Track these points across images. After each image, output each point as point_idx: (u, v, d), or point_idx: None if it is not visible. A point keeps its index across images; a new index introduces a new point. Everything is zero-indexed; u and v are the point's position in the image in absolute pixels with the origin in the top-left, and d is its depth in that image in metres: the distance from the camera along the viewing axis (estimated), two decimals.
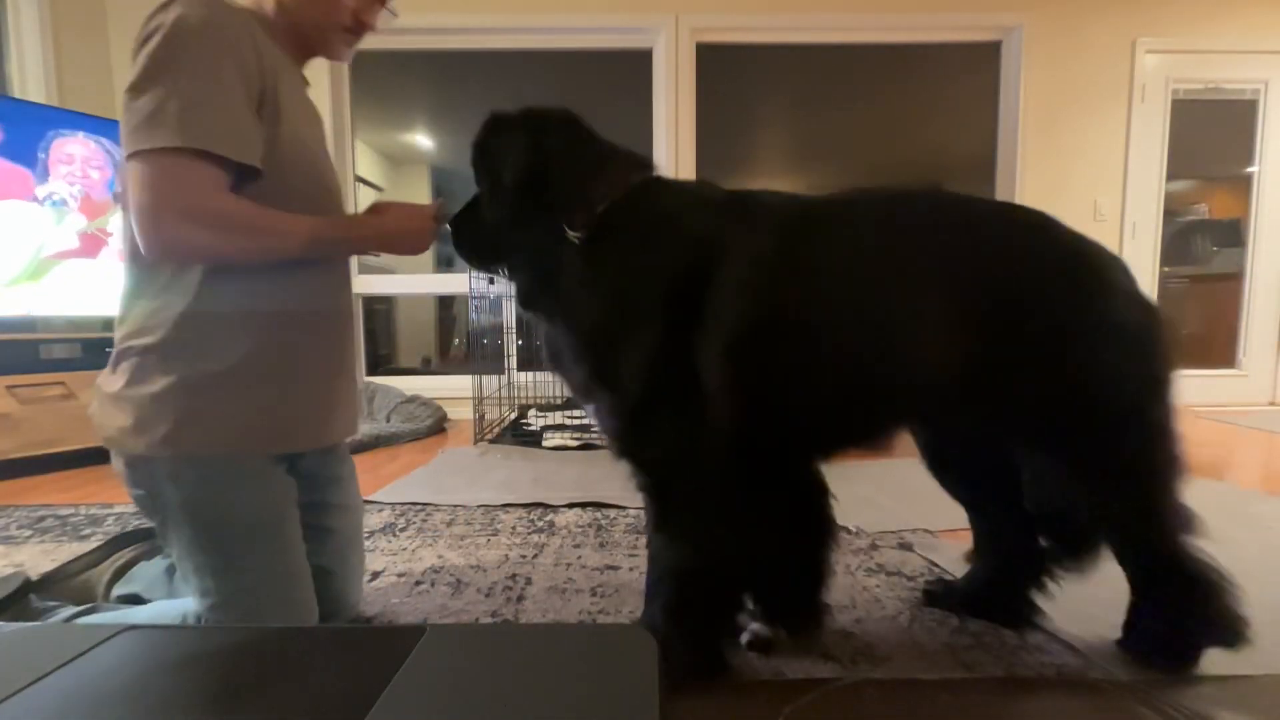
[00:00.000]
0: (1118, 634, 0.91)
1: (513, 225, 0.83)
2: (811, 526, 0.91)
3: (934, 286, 0.76)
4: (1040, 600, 0.95)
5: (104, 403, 0.82)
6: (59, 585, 1.01)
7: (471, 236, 0.91)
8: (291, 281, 0.85)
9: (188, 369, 0.78)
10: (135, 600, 0.99)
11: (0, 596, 0.92)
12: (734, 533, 0.77)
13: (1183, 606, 0.80)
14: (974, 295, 0.76)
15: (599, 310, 0.77)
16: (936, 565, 1.19)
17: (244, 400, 0.81)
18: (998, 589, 0.97)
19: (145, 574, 1.03)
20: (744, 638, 0.88)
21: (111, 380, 0.81)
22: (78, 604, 0.95)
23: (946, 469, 0.99)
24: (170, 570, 0.99)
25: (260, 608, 0.82)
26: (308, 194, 0.87)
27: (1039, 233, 0.82)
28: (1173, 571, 0.80)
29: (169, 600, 0.93)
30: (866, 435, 0.85)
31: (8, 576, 0.98)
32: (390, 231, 0.90)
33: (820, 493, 0.91)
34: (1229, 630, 0.78)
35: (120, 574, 1.05)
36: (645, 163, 0.87)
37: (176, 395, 0.78)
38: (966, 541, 1.36)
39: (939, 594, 1.05)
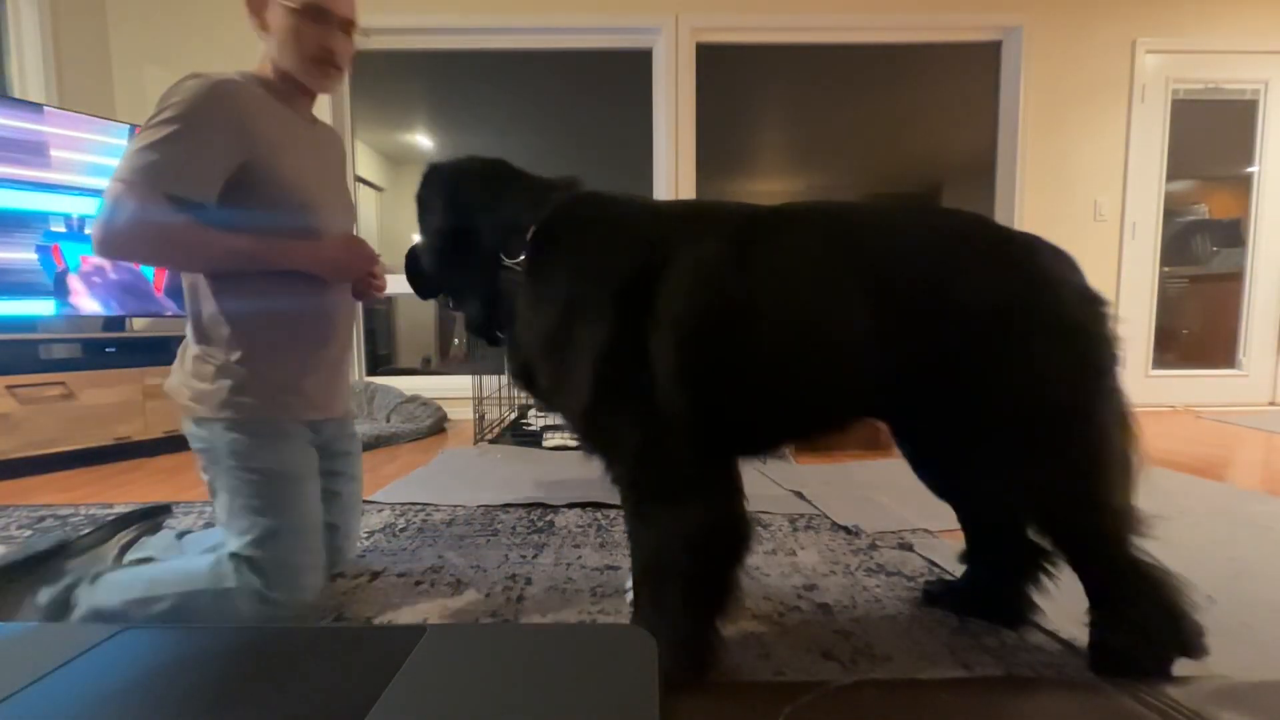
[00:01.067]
0: None
1: (449, 265, 0.94)
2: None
3: (868, 289, 0.77)
4: (1037, 597, 0.94)
5: (179, 377, 1.04)
6: (71, 559, 1.07)
7: (417, 275, 1.03)
8: (309, 287, 1.05)
9: (235, 354, 1.00)
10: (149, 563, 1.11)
11: (41, 550, 1.04)
12: (703, 515, 0.79)
13: (1146, 619, 0.78)
14: (907, 296, 0.77)
15: (546, 322, 0.82)
16: (936, 565, 1.19)
17: (278, 377, 1.03)
18: (993, 588, 0.98)
19: (156, 543, 1.16)
20: (629, 598, 0.93)
21: (183, 361, 1.05)
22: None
23: (930, 469, 1.00)
24: (180, 536, 1.19)
25: (283, 549, 0.97)
26: (298, 224, 1.03)
27: (974, 235, 0.81)
28: (1130, 579, 0.79)
29: (186, 557, 1.05)
30: (810, 430, 0.89)
31: (49, 534, 1.12)
32: (325, 259, 1.05)
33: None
34: (1193, 640, 0.77)
35: (125, 550, 1.13)
36: (569, 182, 0.92)
37: (229, 373, 1.00)
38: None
39: (939, 594, 1.05)
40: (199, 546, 1.10)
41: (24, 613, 0.97)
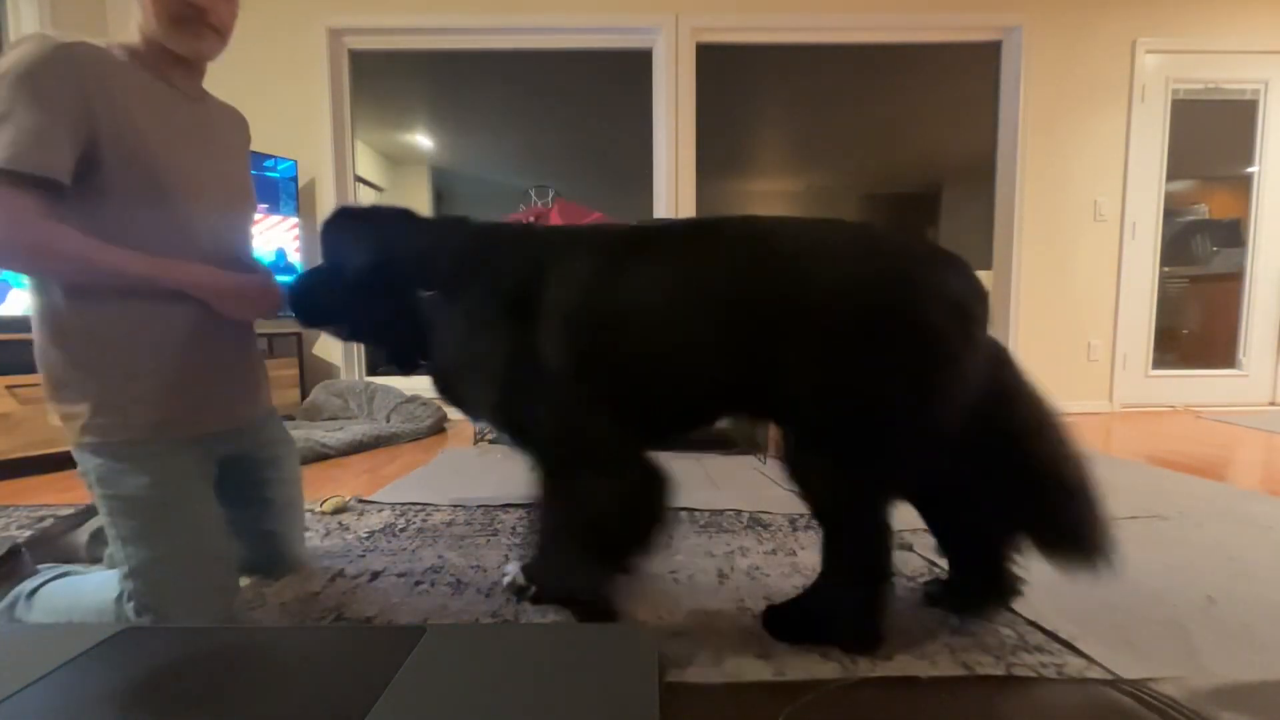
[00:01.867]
0: (1118, 634, 0.92)
1: (362, 300, 0.99)
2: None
3: (719, 296, 0.84)
4: (1017, 581, 0.96)
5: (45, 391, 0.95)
6: (44, 547, 1.12)
7: (311, 307, 1.06)
8: (169, 299, 0.94)
9: (82, 376, 0.91)
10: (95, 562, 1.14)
11: None
12: (606, 491, 0.89)
13: (840, 606, 0.88)
14: (759, 302, 0.83)
15: (458, 339, 0.94)
16: (936, 565, 1.19)
17: (140, 395, 0.93)
18: (973, 584, 1.00)
19: None
20: (504, 580, 1.07)
21: (44, 386, 0.95)
22: (63, 562, 1.08)
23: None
24: None
25: (167, 578, 0.91)
26: (161, 210, 0.93)
27: (838, 242, 0.85)
28: (846, 577, 0.88)
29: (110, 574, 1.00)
30: (681, 424, 0.97)
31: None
32: (222, 289, 0.96)
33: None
34: (856, 644, 0.87)
35: (97, 536, 1.15)
36: (461, 221, 1.03)
37: (77, 395, 0.91)
38: None
39: (938, 595, 1.06)
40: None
41: None
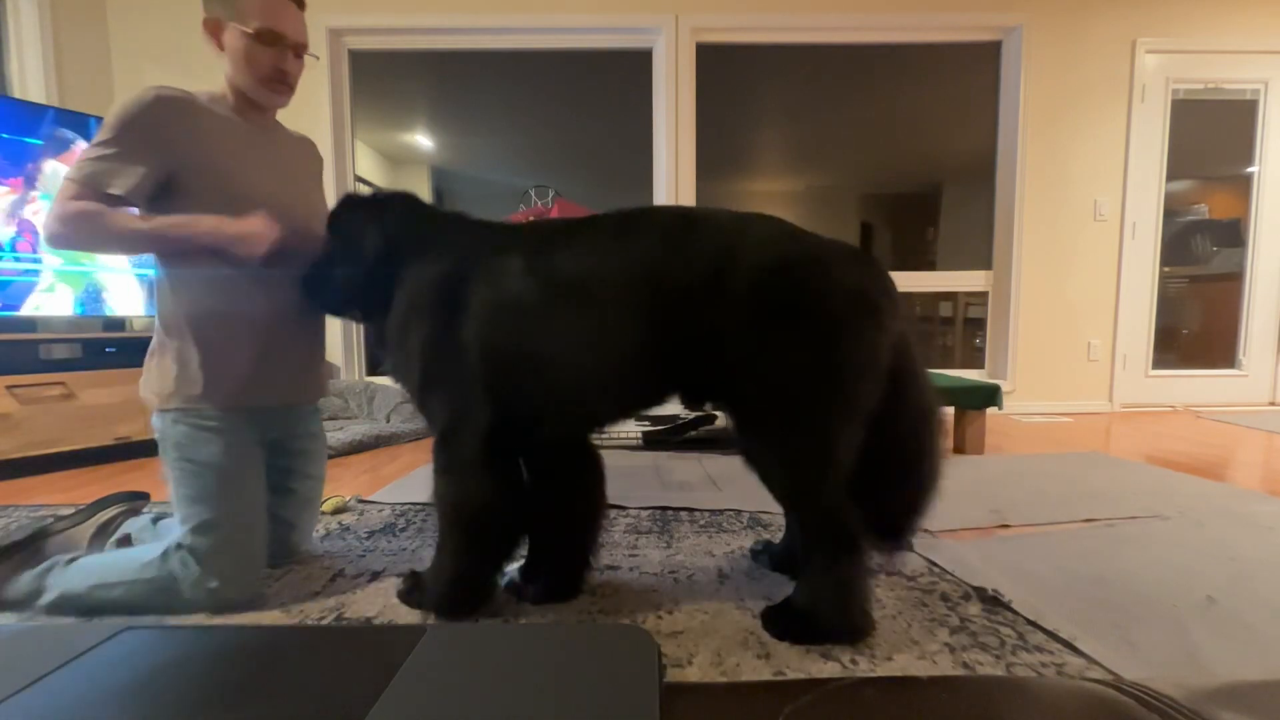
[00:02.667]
0: (1118, 634, 0.92)
1: (369, 282, 1.03)
2: (578, 505, 1.10)
3: (637, 286, 0.88)
4: None
5: (144, 373, 1.11)
6: (46, 541, 1.16)
7: (322, 290, 1.11)
8: (250, 286, 1.09)
9: (184, 343, 1.07)
10: (127, 543, 1.23)
11: (20, 539, 1.13)
12: (498, 483, 0.97)
13: (822, 599, 0.90)
14: (672, 291, 0.87)
15: (394, 320, 1.00)
16: (936, 565, 1.19)
17: (223, 364, 1.08)
18: (796, 551, 1.09)
19: (134, 524, 1.27)
20: (504, 580, 1.08)
21: (149, 357, 1.12)
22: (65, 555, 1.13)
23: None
24: (155, 519, 1.28)
25: (219, 540, 1.03)
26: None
27: (748, 235, 0.89)
28: (826, 566, 0.89)
29: (149, 544, 1.12)
30: (594, 421, 1.03)
31: (27, 524, 1.20)
32: (230, 233, 1.03)
33: (594, 477, 1.12)
34: (845, 632, 0.89)
35: (103, 531, 1.23)
36: (407, 202, 1.09)
37: (177, 364, 1.07)
38: (966, 541, 1.37)
39: (759, 552, 1.23)
40: (170, 531, 1.14)
41: (4, 594, 1.06)
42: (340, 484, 1.90)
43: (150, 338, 1.12)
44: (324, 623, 0.99)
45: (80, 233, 0.99)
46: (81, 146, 2.27)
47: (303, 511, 1.25)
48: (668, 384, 0.96)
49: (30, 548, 1.13)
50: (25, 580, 1.05)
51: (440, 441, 0.99)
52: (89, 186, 0.99)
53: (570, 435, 1.09)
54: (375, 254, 1.02)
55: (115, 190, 0.99)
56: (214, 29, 1.07)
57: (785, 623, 0.92)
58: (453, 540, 0.98)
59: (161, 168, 1.02)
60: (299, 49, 1.11)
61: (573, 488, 1.10)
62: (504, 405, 0.94)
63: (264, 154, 1.14)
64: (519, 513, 1.03)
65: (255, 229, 1.02)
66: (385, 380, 3.07)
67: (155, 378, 1.09)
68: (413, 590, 1.05)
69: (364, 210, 1.07)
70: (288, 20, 1.08)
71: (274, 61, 1.08)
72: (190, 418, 1.06)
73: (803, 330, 0.84)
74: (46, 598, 1.02)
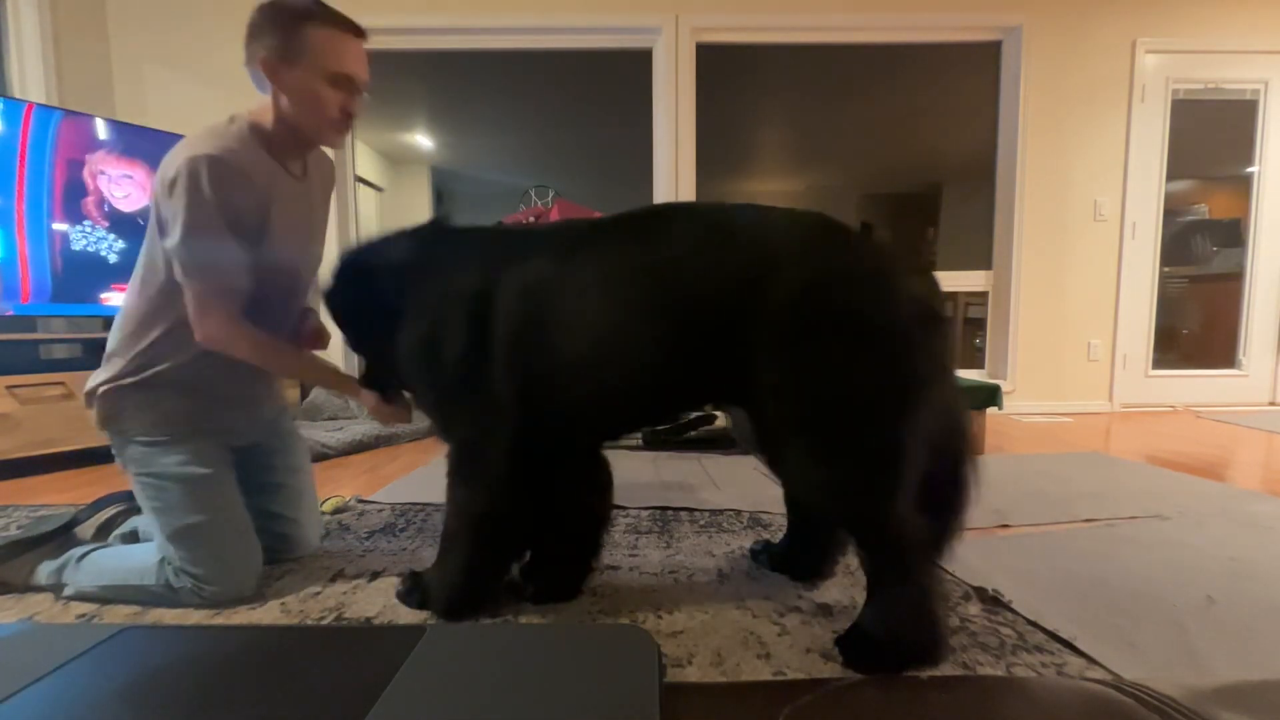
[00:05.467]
0: (1118, 634, 0.92)
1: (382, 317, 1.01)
2: (586, 508, 1.08)
3: (671, 289, 0.84)
4: (834, 565, 1.13)
5: (93, 383, 1.09)
6: (73, 532, 1.20)
7: (386, 384, 1.11)
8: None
9: (134, 386, 1.06)
10: (134, 538, 1.25)
11: (49, 530, 1.17)
12: (520, 496, 0.96)
13: (899, 621, 0.82)
14: (710, 294, 0.82)
15: (412, 334, 0.97)
16: (948, 572, 1.19)
17: (183, 398, 1.08)
18: (796, 553, 1.14)
19: (139, 520, 1.28)
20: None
21: (102, 367, 1.09)
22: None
23: (760, 451, 1.03)
24: None
25: (197, 545, 1.03)
26: (275, 278, 1.11)
27: (793, 232, 0.84)
28: (898, 583, 0.82)
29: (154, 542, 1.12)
30: (620, 428, 1.02)
31: (58, 514, 1.25)
32: (359, 400, 1.12)
33: (603, 480, 1.11)
34: (930, 652, 0.82)
35: (105, 527, 1.25)
36: (440, 221, 1.05)
37: (125, 400, 1.06)
38: (966, 541, 1.36)
39: (758, 551, 1.22)
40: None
41: (29, 583, 1.12)
42: (340, 484, 1.90)
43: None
44: (324, 623, 0.99)
45: (253, 358, 1.06)
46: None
47: (298, 504, 1.25)
48: (703, 393, 0.93)
49: (59, 538, 1.17)
50: (47, 571, 1.10)
51: (462, 452, 0.97)
52: (224, 294, 1.01)
53: (595, 442, 1.07)
54: (385, 295, 0.99)
55: (240, 283, 1.03)
56: (273, 69, 1.00)
57: (867, 652, 0.84)
58: (465, 547, 0.97)
59: (233, 226, 1.02)
60: (363, 87, 1.08)
61: (581, 490, 1.08)
62: (531, 414, 0.92)
63: (298, 200, 1.13)
64: (532, 520, 1.02)
65: (370, 405, 1.11)
66: None
67: (110, 405, 1.06)
68: (413, 591, 1.04)
69: (365, 263, 1.04)
70: (358, 61, 1.05)
71: (343, 104, 1.05)
72: (147, 435, 1.06)
73: (868, 344, 0.78)
74: (66, 592, 1.08)
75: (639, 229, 0.90)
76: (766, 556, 1.20)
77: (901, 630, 0.81)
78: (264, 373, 1.19)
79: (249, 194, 1.01)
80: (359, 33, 1.05)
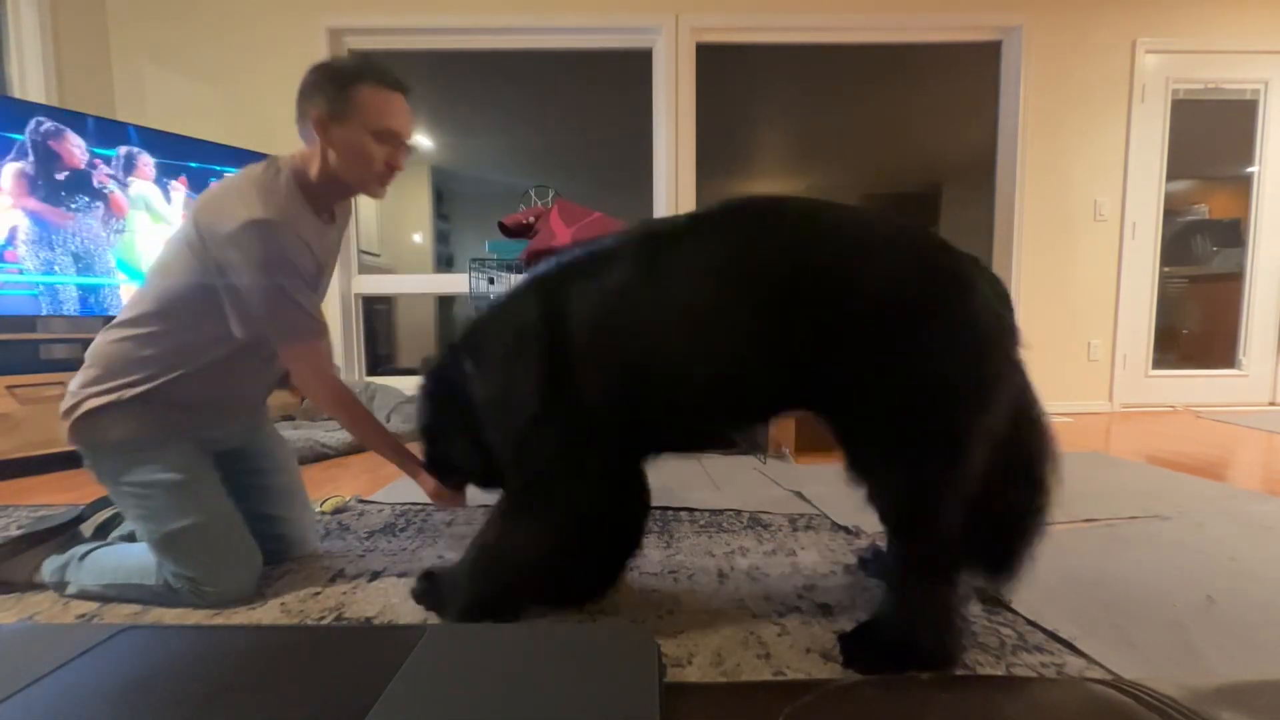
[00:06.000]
0: (1118, 634, 0.92)
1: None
2: (623, 524, 1.07)
3: (761, 290, 0.81)
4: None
5: (73, 389, 1.07)
6: (43, 543, 1.19)
7: (450, 471, 1.12)
8: (226, 363, 1.10)
9: (129, 389, 1.05)
10: (134, 538, 1.22)
11: (56, 524, 1.20)
12: (580, 535, 0.94)
13: (922, 619, 0.82)
14: (803, 295, 0.80)
15: (487, 390, 0.94)
16: None
17: (163, 413, 1.07)
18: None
19: None
20: None
21: (81, 375, 1.08)
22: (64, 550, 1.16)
23: (844, 452, 1.01)
24: None
25: (187, 549, 1.04)
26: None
27: (881, 234, 0.83)
28: (921, 589, 0.82)
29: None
30: (723, 426, 0.99)
31: (61, 513, 1.26)
32: (418, 481, 1.16)
33: (644, 496, 1.09)
34: (939, 659, 0.81)
35: (103, 527, 1.25)
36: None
37: (113, 420, 1.05)
38: None
39: (870, 560, 1.17)
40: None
41: (34, 580, 1.13)
42: (340, 484, 1.90)
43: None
44: (324, 623, 0.99)
45: (335, 410, 1.12)
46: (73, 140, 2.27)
47: (288, 503, 1.25)
48: (787, 397, 0.89)
49: (64, 535, 1.19)
50: (51, 569, 1.11)
51: (535, 489, 0.92)
52: (313, 345, 1.08)
53: (678, 448, 1.03)
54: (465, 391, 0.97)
55: (321, 332, 1.09)
56: (323, 127, 1.05)
57: (873, 651, 0.84)
58: (503, 574, 0.94)
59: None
60: (407, 139, 1.13)
61: (623, 506, 1.05)
62: (614, 435, 0.89)
63: (325, 244, 1.16)
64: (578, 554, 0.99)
65: (430, 489, 1.15)
66: (385, 380, 3.07)
67: (90, 420, 1.04)
68: (431, 593, 1.02)
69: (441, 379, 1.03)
70: (403, 117, 1.10)
71: (388, 157, 1.09)
72: (119, 446, 1.05)
73: (948, 348, 0.77)
74: (69, 590, 1.09)
75: (724, 226, 0.86)
76: (878, 566, 1.14)
77: (922, 633, 0.81)
78: (257, 388, 1.22)
79: (303, 254, 1.06)
80: (403, 89, 1.10)
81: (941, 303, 0.78)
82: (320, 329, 1.10)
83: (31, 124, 2.16)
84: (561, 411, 0.87)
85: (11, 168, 2.12)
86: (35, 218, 2.18)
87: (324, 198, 1.13)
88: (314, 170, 1.08)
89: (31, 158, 2.16)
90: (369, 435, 1.16)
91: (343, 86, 1.04)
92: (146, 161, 2.44)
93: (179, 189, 2.54)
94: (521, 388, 0.88)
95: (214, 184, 1.08)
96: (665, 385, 0.85)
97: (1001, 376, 0.80)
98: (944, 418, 0.78)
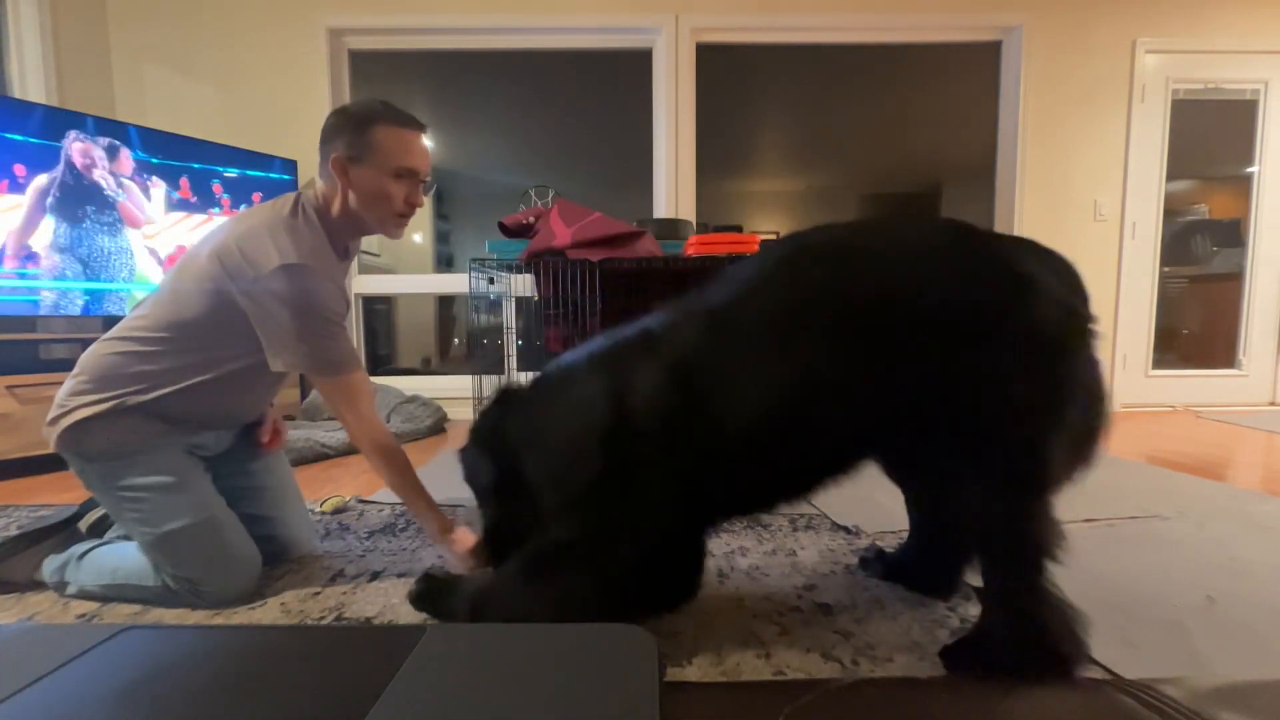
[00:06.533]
0: (1118, 634, 0.92)
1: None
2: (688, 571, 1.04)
3: (841, 340, 0.79)
4: (963, 577, 1.04)
5: (62, 396, 1.07)
6: (41, 542, 1.19)
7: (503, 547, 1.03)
8: (229, 387, 1.11)
9: (126, 399, 1.04)
10: (128, 536, 1.21)
11: (54, 523, 1.20)
12: (581, 597, 0.89)
13: (1022, 643, 0.79)
14: (871, 329, 0.78)
15: (546, 469, 0.91)
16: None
17: (157, 425, 1.07)
18: (924, 565, 1.07)
19: None
20: None
21: (72, 382, 1.07)
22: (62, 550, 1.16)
23: (892, 463, 1.02)
24: None
25: (181, 550, 1.04)
26: None
27: (941, 244, 0.80)
28: (1026, 605, 0.80)
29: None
30: (808, 484, 0.90)
31: (64, 508, 1.27)
32: (443, 540, 1.13)
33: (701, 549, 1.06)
34: (1051, 672, 0.78)
35: (96, 526, 1.25)
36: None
37: (111, 430, 1.04)
38: None
39: (870, 560, 1.17)
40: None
41: (34, 579, 1.13)
42: (340, 484, 1.90)
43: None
44: (324, 623, 0.99)
45: (372, 459, 1.11)
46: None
47: (281, 503, 1.25)
48: (867, 441, 0.86)
49: (62, 533, 1.20)
50: (51, 568, 1.11)
51: (588, 546, 0.89)
52: (360, 378, 1.10)
53: (761, 509, 0.98)
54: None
55: (357, 364, 1.11)
56: (343, 169, 1.07)
57: (982, 658, 0.82)
58: (532, 612, 0.90)
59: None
60: (425, 178, 1.14)
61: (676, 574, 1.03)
62: (682, 498, 0.86)
63: (337, 274, 1.15)
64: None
65: (460, 554, 1.11)
66: (385, 380, 3.07)
67: (79, 430, 1.03)
68: (429, 597, 1.01)
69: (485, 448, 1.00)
70: (421, 155, 1.11)
71: (407, 195, 1.11)
72: (106, 454, 1.04)
73: (1014, 362, 0.75)
74: (69, 590, 1.10)
75: (793, 261, 0.84)
76: (880, 566, 1.14)
77: (1052, 632, 0.79)
78: (257, 402, 1.23)
79: (334, 295, 1.08)
80: (420, 128, 1.11)
81: (1000, 313, 0.75)
82: (357, 362, 1.11)
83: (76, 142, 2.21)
84: (624, 490, 0.85)
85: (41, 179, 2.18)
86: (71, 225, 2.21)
87: (342, 236, 1.15)
88: (335, 210, 1.11)
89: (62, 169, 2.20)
90: (403, 486, 1.12)
91: (361, 128, 1.06)
92: (126, 155, 2.42)
93: (158, 185, 2.51)
94: (580, 474, 0.86)
95: (238, 220, 1.07)
96: (746, 446, 0.82)
97: (1073, 379, 0.77)
98: (1019, 430, 0.76)
